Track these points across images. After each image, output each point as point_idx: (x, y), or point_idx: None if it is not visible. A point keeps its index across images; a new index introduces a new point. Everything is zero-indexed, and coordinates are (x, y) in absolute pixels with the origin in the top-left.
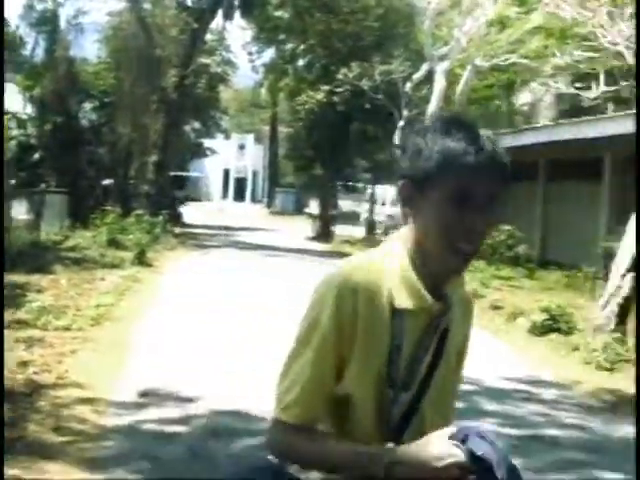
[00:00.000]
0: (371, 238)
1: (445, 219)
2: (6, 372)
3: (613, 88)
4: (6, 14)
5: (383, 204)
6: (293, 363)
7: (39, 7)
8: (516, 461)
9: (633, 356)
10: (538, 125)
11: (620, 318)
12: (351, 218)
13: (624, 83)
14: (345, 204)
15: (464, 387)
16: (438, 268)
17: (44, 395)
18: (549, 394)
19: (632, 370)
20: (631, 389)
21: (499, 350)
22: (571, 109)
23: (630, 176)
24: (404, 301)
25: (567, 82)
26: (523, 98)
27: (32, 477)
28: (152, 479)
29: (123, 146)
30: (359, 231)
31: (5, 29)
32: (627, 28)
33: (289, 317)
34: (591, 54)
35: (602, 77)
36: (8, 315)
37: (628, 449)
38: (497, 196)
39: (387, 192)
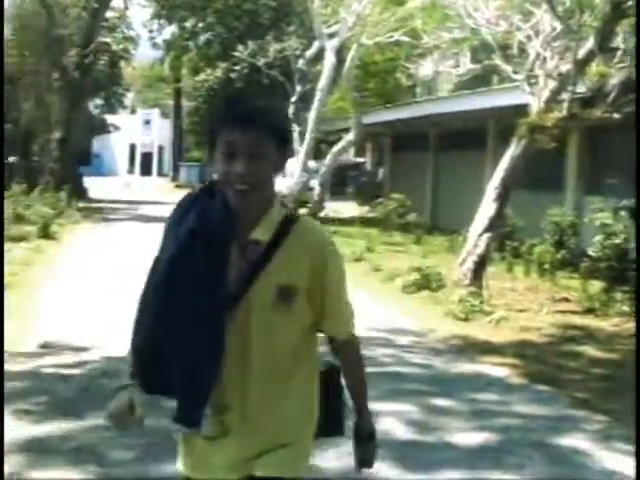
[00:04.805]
0: None
1: (220, 168)
2: None
3: (478, 66)
4: None
5: (283, 176)
6: None
7: None
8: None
9: (486, 307)
10: (427, 98)
11: (475, 274)
12: None
13: (486, 62)
14: None
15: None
16: (230, 203)
17: None
18: (404, 340)
19: (484, 319)
20: (478, 335)
21: (369, 306)
22: (470, 80)
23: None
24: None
25: (440, 59)
26: (425, 70)
27: None
28: None
29: (27, 123)
30: None
31: None
32: (487, 11)
33: None
34: (458, 35)
35: (468, 55)
36: None
37: (460, 382)
38: (257, 144)
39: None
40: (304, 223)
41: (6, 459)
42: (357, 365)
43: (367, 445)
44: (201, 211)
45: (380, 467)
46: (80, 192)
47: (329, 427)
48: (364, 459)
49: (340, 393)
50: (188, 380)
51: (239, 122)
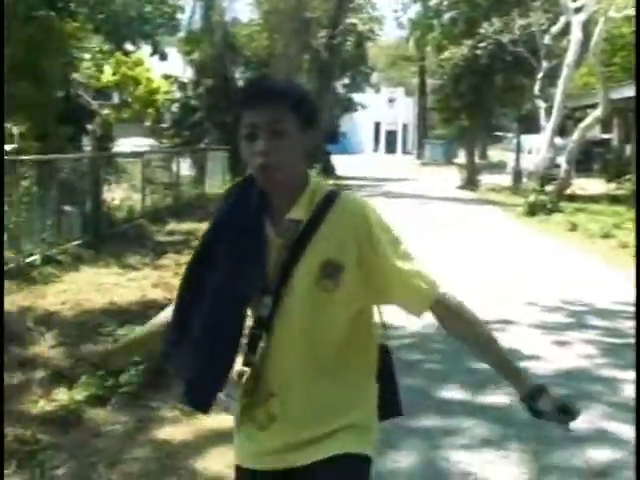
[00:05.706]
0: (517, 186)
1: (244, 150)
2: None
3: None
4: None
5: (529, 152)
6: None
7: None
8: (608, 360)
9: None
10: None
11: None
12: (499, 167)
13: None
14: (494, 153)
15: (577, 308)
16: (260, 185)
17: None
18: None
19: None
20: None
21: (618, 281)
22: None
23: None
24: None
25: None
26: None
27: None
28: None
29: None
30: (506, 179)
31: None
32: None
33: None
34: None
35: None
36: (183, 257)
37: None
38: (276, 121)
39: (532, 141)
40: (344, 198)
41: None
42: (466, 318)
43: (551, 399)
44: (237, 195)
45: (620, 428)
46: (329, 170)
47: (385, 409)
48: (565, 410)
49: (392, 372)
50: (202, 362)
51: (256, 101)
